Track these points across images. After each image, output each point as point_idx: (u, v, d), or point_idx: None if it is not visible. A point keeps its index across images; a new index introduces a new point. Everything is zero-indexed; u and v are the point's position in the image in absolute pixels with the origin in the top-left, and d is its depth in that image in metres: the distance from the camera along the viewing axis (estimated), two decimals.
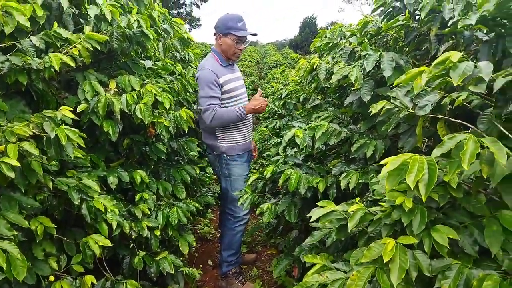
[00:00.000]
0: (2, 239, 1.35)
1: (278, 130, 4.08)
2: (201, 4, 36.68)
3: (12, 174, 1.32)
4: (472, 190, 1.21)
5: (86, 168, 2.05)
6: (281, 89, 4.63)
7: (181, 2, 36.52)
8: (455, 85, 1.08)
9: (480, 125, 1.35)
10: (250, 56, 18.90)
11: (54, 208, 1.82)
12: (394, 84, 1.42)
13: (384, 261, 1.08)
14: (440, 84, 1.25)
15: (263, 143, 4.29)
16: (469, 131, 1.43)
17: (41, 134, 1.47)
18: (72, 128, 1.51)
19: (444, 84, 1.25)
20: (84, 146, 1.56)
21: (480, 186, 1.19)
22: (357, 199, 1.40)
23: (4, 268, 1.30)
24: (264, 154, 3.70)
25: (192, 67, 3.73)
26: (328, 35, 2.95)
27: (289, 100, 3.90)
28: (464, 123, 1.44)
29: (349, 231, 1.28)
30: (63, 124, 1.55)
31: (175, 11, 35.68)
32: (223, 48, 2.60)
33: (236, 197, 2.51)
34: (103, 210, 1.82)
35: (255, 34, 2.62)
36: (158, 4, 3.50)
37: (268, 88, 8.02)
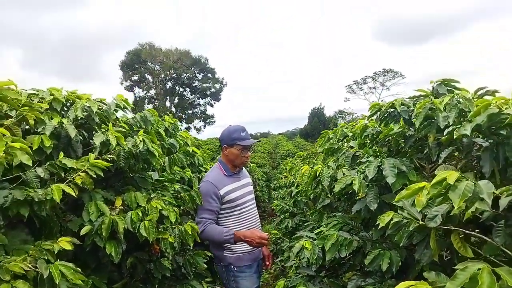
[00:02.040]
0: None
1: (291, 229, 3.96)
2: (215, 103, 39.09)
3: None
4: None
5: None
6: (292, 182, 4.61)
7: (196, 103, 39.04)
8: (455, 208, 1.03)
9: (497, 238, 1.26)
10: (262, 147, 19.39)
11: None
12: (396, 200, 1.37)
13: None
14: (441, 202, 1.20)
15: (275, 245, 4.13)
16: (486, 243, 1.34)
17: (37, 270, 1.42)
18: (68, 264, 1.46)
19: (447, 200, 1.19)
20: (79, 282, 1.49)
21: None
22: None
23: None
24: (277, 260, 3.53)
25: (202, 170, 3.79)
26: (331, 135, 3.01)
27: (299, 198, 3.84)
28: (480, 235, 1.35)
29: None
30: (59, 259, 1.51)
31: (190, 111, 37.95)
32: (230, 158, 2.66)
33: None
34: None
35: (258, 141, 2.70)
36: (169, 114, 3.71)
37: (281, 178, 8.03)
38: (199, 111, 39.11)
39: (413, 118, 1.72)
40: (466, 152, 1.50)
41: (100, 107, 2.29)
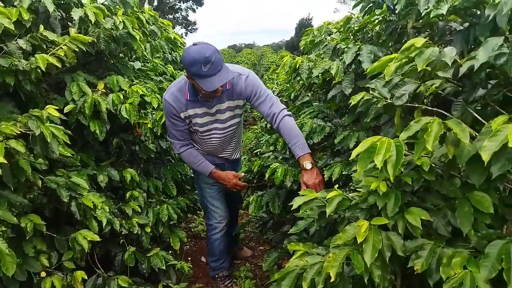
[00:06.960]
0: None
1: (270, 128, 4.13)
2: (197, 8, 36.82)
3: None
4: (444, 173, 1.25)
5: (76, 167, 2.09)
6: (274, 89, 4.68)
7: (177, 7, 36.65)
8: (418, 69, 1.12)
9: (454, 112, 1.39)
10: (246, 58, 19.00)
11: (44, 206, 1.86)
12: (367, 72, 1.45)
13: (358, 242, 1.12)
14: (412, 72, 1.29)
15: (255, 141, 4.35)
16: (446, 118, 1.48)
17: (28, 132, 1.51)
18: (57, 126, 1.54)
19: (415, 71, 1.29)
20: (69, 143, 1.60)
21: (451, 169, 1.22)
22: (336, 186, 1.44)
23: None
24: (257, 151, 3.74)
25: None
26: (315, 33, 3.00)
27: (280, 99, 3.93)
28: (440, 110, 1.48)
29: (327, 216, 1.32)
30: (50, 123, 1.59)
31: (170, 16, 35.79)
32: (195, 86, 2.05)
33: (205, 206, 2.47)
34: (92, 207, 1.85)
35: (221, 85, 1.95)
36: (149, 6, 3.56)
37: None
38: (181, 17, 36.97)
39: (395, 3, 1.74)
40: (440, 35, 1.57)
41: None
